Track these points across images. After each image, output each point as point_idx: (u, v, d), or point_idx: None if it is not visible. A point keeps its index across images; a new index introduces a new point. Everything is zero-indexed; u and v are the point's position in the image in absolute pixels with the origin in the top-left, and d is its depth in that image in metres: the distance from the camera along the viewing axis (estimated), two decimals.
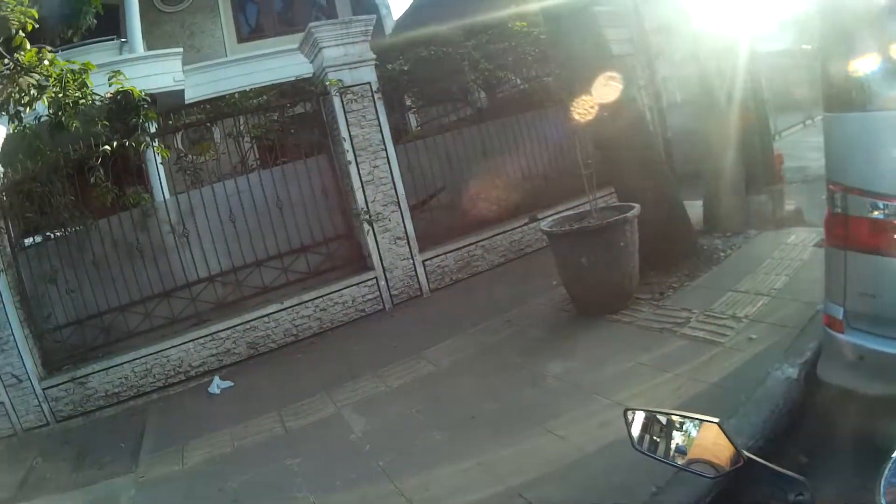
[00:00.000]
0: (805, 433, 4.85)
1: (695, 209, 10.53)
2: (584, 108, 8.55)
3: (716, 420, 1.96)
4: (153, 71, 14.05)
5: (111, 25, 16.41)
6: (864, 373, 4.11)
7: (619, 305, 7.95)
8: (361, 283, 10.45)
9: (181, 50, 15.62)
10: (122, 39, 16.32)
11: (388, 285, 10.60)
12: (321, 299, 10.08)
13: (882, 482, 1.55)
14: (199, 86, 15.58)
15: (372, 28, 10.81)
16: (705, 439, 1.95)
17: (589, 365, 6.63)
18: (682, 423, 2.05)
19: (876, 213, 3.94)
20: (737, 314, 7.04)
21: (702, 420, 2.01)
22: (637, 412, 2.20)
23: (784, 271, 8.01)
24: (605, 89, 8.71)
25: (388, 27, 20.11)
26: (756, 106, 11.40)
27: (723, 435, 1.89)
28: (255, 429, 7.15)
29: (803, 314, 6.40)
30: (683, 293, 8.13)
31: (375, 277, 10.51)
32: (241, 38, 20.47)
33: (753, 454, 4.38)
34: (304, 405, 7.43)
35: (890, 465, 1.57)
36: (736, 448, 1.82)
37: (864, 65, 4.16)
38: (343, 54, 10.33)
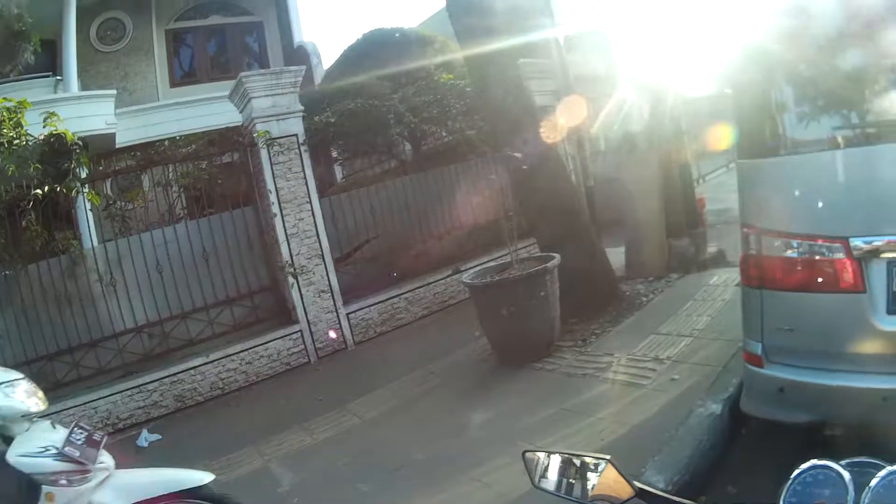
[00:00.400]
0: (733, 465, 4.98)
1: (617, 256, 10.76)
2: (506, 160, 8.69)
3: (607, 457, 2.01)
4: (86, 112, 13.94)
5: (47, 61, 16.47)
6: (785, 404, 4.29)
7: (542, 353, 8.01)
8: (286, 336, 10.38)
9: (115, 92, 15.62)
10: (58, 77, 16.16)
11: (312, 338, 10.54)
12: (247, 352, 9.99)
13: (783, 500, 1.61)
14: (131, 130, 15.49)
15: (301, 79, 10.85)
16: (604, 476, 2.00)
17: (513, 413, 6.68)
18: (579, 462, 2.08)
19: (789, 252, 4.16)
20: (659, 356, 7.18)
21: (596, 458, 2.06)
22: (537, 453, 2.21)
23: (706, 312, 8.20)
24: (528, 141, 8.90)
25: (318, 76, 20.23)
26: (677, 151, 11.65)
27: (615, 470, 1.95)
28: None
29: (726, 352, 6.56)
30: (606, 339, 8.25)
31: (300, 331, 10.46)
32: (174, 83, 20.48)
33: (679, 489, 4.49)
34: (232, 458, 7.34)
35: (789, 485, 1.62)
36: (627, 481, 1.87)
37: (776, 113, 4.38)
38: (272, 105, 10.35)
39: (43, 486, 3.90)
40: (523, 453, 2.24)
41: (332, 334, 10.67)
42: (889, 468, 1.50)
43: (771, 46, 4.29)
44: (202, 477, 4.57)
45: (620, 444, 5.38)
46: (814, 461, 1.63)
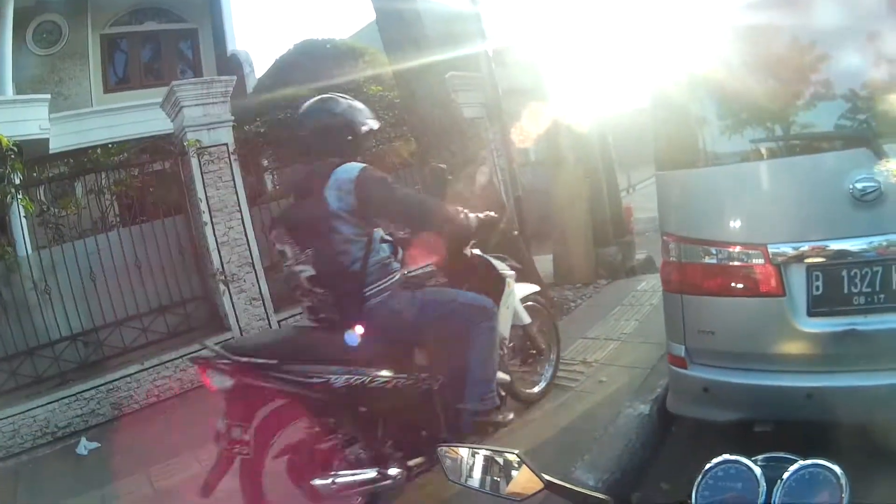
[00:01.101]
0: (665, 462, 5.17)
1: (546, 263, 10.90)
2: (433, 171, 8.81)
3: (516, 451, 2.08)
4: (20, 116, 13.72)
5: None
6: (710, 403, 4.52)
7: None
8: (219, 343, 10.10)
9: (49, 96, 15.34)
10: None
11: None
12: (181, 360, 9.80)
13: (695, 494, 1.68)
14: (64, 135, 15.24)
15: (232, 88, 10.76)
16: (516, 470, 2.09)
17: None
18: (491, 457, 2.11)
19: (708, 258, 4.37)
20: (587, 360, 7.34)
21: (507, 452, 2.14)
22: (452, 449, 2.25)
23: (634, 316, 8.41)
24: (454, 153, 9.07)
25: (251, 85, 20.12)
26: (603, 162, 11.88)
27: (524, 464, 2.04)
28: (124, 489, 7.00)
29: (653, 354, 6.77)
30: None
31: (233, 338, 10.14)
32: (109, 88, 20.17)
33: (609, 486, 4.66)
34: (171, 465, 7.28)
35: (700, 479, 1.69)
36: (536, 474, 1.96)
37: (694, 125, 4.59)
38: (203, 114, 10.26)
39: None
40: (438, 449, 2.31)
41: None
42: (801, 462, 1.58)
43: (688, 61, 4.49)
44: None
45: (550, 445, 5.52)
46: (725, 456, 1.70)
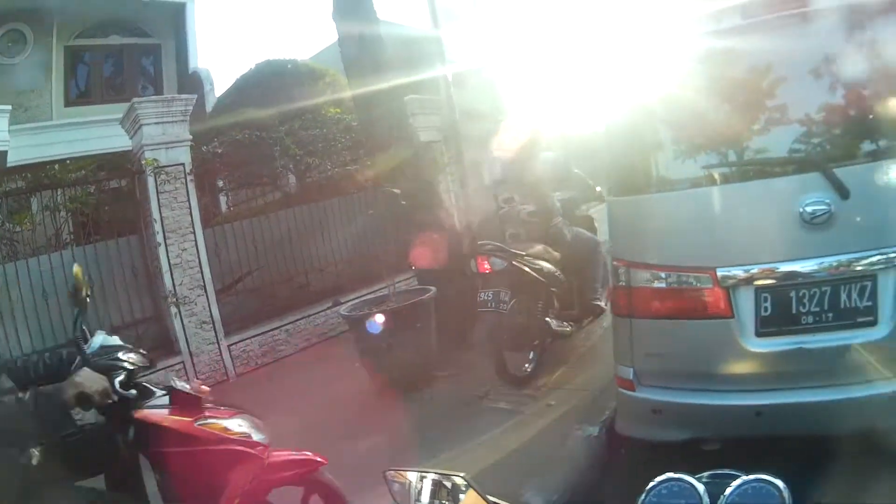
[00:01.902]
0: (615, 483, 5.21)
1: None
2: (386, 195, 8.81)
3: (462, 474, 2.10)
4: None
5: None
6: (659, 424, 4.58)
7: (422, 383, 8.16)
8: (168, 367, 10.02)
9: (9, 108, 15.17)
10: None
11: (195, 369, 10.31)
12: None
13: None
14: (23, 148, 15.09)
15: (192, 107, 10.72)
16: (463, 493, 2.11)
17: (394, 441, 6.65)
18: (438, 479, 2.13)
19: (656, 282, 4.45)
20: (535, 383, 7.42)
21: (453, 475, 2.16)
22: (398, 472, 2.28)
23: (585, 340, 8.46)
24: (408, 177, 9.14)
25: (210, 104, 19.92)
26: (559, 185, 11.97)
27: (471, 487, 2.06)
28: None
29: (602, 377, 6.75)
30: (483, 368, 8.20)
31: (182, 361, 10.26)
32: (69, 102, 19.80)
33: None
34: None
35: (644, 497, 1.72)
36: (483, 497, 1.99)
37: (646, 152, 4.68)
38: (161, 133, 10.21)
39: None
40: (384, 473, 2.32)
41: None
42: (744, 478, 1.61)
43: (641, 88, 4.57)
44: None
45: (499, 468, 5.54)
46: (669, 474, 1.72)
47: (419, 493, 2.19)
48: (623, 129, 4.78)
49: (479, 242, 8.09)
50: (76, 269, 4.08)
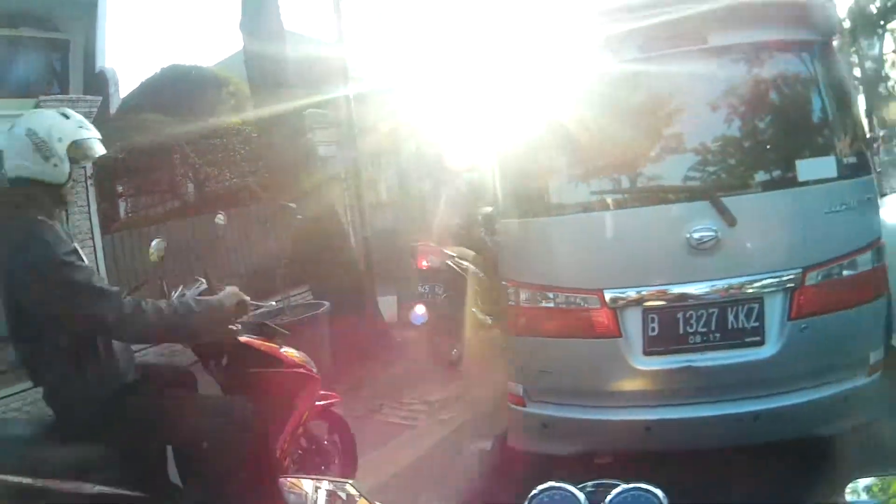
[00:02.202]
0: (508, 494, 5.37)
1: (391, 305, 11.06)
2: (283, 209, 8.82)
3: (350, 481, 2.19)
4: None
5: None
6: (550, 438, 4.76)
7: None
8: None
9: None
10: None
11: None
12: (29, 392, 8.98)
13: None
14: None
15: (96, 109, 10.54)
16: (350, 499, 2.20)
17: None
18: (334, 490, 2.21)
19: (545, 302, 4.63)
20: (429, 399, 7.55)
21: (341, 482, 2.22)
22: (293, 482, 2.32)
23: (475, 358, 8.57)
24: (308, 190, 9.18)
25: (114, 105, 18.86)
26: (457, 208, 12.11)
27: (363, 497, 2.16)
28: None
29: (494, 392, 6.89)
30: (377, 383, 8.48)
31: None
32: None
33: None
34: None
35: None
36: (370, 502, 2.08)
37: (538, 177, 4.88)
38: None
39: None
40: (280, 481, 2.37)
41: None
42: (622, 486, 1.68)
43: (535, 113, 4.78)
44: None
45: (395, 480, 5.66)
46: (551, 483, 1.76)
47: (315, 502, 2.24)
48: (516, 152, 4.94)
49: (419, 243, 8.92)
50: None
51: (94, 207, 10.36)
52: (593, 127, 4.61)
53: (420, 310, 8.30)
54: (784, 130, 4.53)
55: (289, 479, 2.41)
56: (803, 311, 4.25)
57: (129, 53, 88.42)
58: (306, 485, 2.30)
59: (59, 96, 10.94)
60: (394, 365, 9.20)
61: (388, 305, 10.83)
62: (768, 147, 4.53)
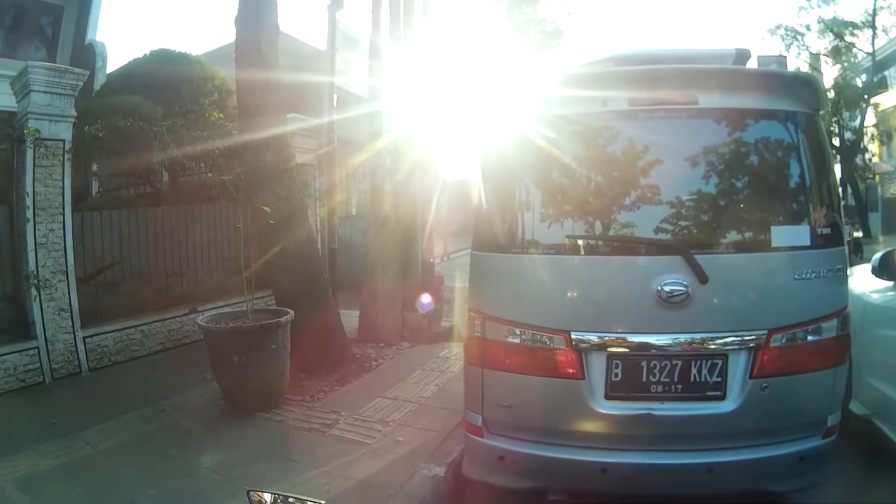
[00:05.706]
0: None
1: (352, 319, 11.16)
2: (256, 212, 8.82)
3: (322, 501, 2.28)
4: None
5: None
6: (506, 471, 4.81)
7: (271, 404, 8.17)
8: (23, 350, 9.65)
9: None
10: None
11: (49, 358, 9.90)
12: None
13: None
14: None
15: (83, 83, 10.40)
16: None
17: (242, 459, 6.70)
18: None
19: (511, 338, 4.70)
20: (385, 419, 7.59)
21: (309, 500, 2.31)
22: (264, 494, 2.37)
23: (434, 381, 8.75)
24: (280, 197, 9.26)
25: (100, 81, 19.03)
26: (422, 227, 12.19)
27: None
28: None
29: (450, 420, 7.08)
30: (334, 397, 8.54)
31: (38, 348, 9.79)
32: None
33: None
34: None
35: None
36: None
37: (515, 213, 4.93)
38: (48, 103, 9.86)
39: None
40: (248, 492, 2.44)
41: None
42: None
43: (519, 149, 4.84)
44: None
45: (346, 498, 5.70)
46: None
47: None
48: (497, 187, 5.00)
49: None
50: None
51: (68, 182, 10.19)
52: (578, 172, 4.71)
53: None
54: (763, 195, 4.62)
55: (254, 490, 2.44)
56: (765, 371, 4.36)
57: (119, 30, 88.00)
58: (267, 497, 2.37)
59: (47, 64, 10.67)
60: (352, 379, 9.26)
61: (349, 320, 10.85)
62: (745, 210, 4.60)
